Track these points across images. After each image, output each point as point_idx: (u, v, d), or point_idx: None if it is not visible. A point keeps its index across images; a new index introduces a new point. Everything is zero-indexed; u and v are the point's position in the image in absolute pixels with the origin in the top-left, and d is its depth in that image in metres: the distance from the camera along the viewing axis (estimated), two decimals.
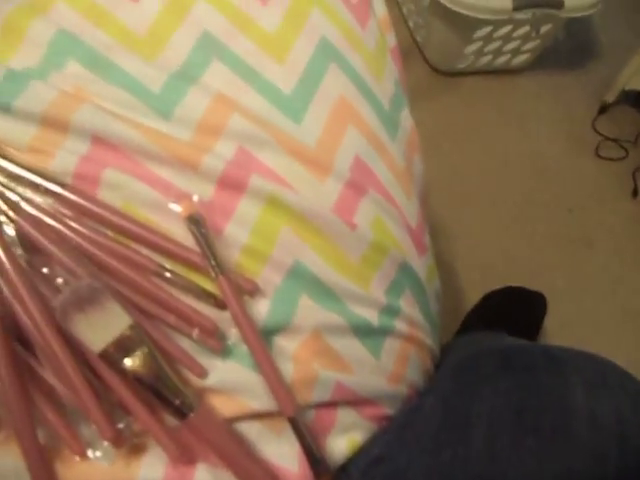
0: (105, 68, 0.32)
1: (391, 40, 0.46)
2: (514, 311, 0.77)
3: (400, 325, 0.36)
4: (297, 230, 0.33)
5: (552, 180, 1.11)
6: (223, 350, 0.31)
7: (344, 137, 0.36)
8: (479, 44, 1.08)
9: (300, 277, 0.33)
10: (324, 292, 0.33)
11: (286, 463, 0.31)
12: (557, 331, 0.98)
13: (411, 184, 0.40)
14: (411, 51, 1.18)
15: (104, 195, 0.31)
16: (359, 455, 0.34)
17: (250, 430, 0.31)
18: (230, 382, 0.30)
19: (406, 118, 0.42)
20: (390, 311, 0.36)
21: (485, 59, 1.14)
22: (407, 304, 0.37)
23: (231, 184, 0.32)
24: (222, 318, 0.31)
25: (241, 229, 0.32)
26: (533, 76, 1.20)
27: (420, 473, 0.30)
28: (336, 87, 0.37)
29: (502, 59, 1.15)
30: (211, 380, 0.30)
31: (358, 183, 0.36)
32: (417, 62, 1.17)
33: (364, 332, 0.34)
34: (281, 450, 0.31)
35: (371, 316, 0.35)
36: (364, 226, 0.35)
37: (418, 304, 0.39)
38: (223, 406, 0.30)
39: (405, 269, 0.37)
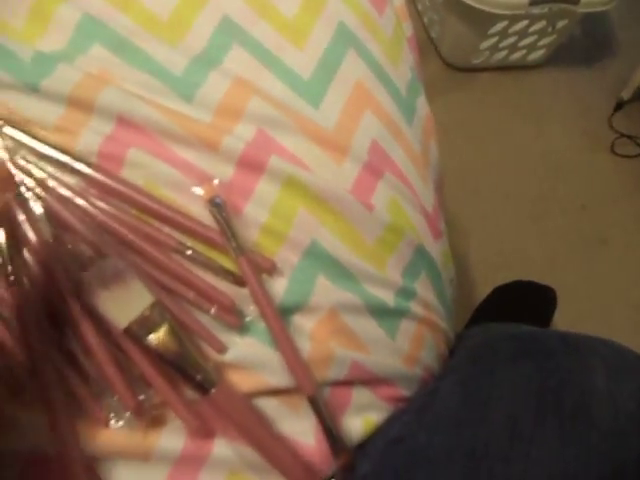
0: (129, 52, 0.33)
1: (407, 29, 0.46)
2: (523, 305, 0.77)
3: (416, 307, 0.37)
4: (314, 210, 0.34)
5: (566, 176, 1.11)
6: (241, 327, 0.31)
7: (361, 121, 0.37)
8: (494, 39, 1.08)
9: (317, 257, 0.33)
10: (340, 272, 0.34)
11: (303, 438, 0.32)
12: (570, 328, 0.98)
13: (427, 169, 0.40)
14: (426, 47, 1.18)
15: (127, 174, 0.32)
16: (377, 436, 0.34)
17: (267, 406, 0.32)
18: (248, 358, 0.31)
19: (422, 105, 0.42)
20: (406, 293, 0.36)
21: (500, 55, 1.13)
22: (423, 287, 0.38)
23: (250, 164, 0.33)
24: (241, 295, 0.31)
25: (260, 209, 0.32)
26: (548, 72, 1.20)
27: (441, 451, 0.30)
28: (354, 72, 0.37)
29: (517, 55, 1.14)
30: (229, 356, 0.31)
31: (375, 166, 0.36)
32: (432, 58, 1.17)
33: (380, 312, 0.35)
34: (298, 426, 0.32)
35: (387, 297, 0.35)
36: (381, 208, 0.36)
37: (433, 288, 0.39)
38: (241, 381, 0.31)
39: (421, 252, 0.38)
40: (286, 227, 0.33)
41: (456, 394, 0.34)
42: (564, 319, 0.98)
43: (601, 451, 0.27)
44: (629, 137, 1.13)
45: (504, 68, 1.18)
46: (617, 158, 1.12)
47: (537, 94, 1.18)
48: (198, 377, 0.29)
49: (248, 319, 0.32)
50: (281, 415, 0.32)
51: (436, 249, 0.39)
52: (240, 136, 0.33)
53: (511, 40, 1.09)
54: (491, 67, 1.17)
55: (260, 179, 0.33)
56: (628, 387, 0.30)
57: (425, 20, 1.19)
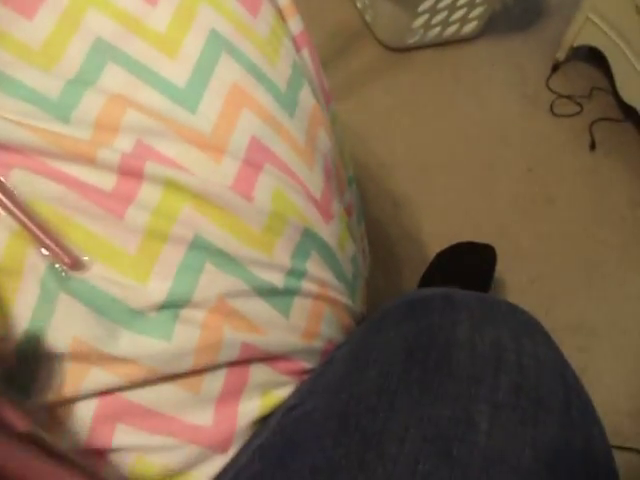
0: (4, 82, 0.35)
1: (295, 26, 0.48)
2: (465, 265, 0.80)
3: (308, 285, 0.39)
4: (197, 208, 0.36)
5: (511, 142, 1.14)
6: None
7: (239, 120, 0.39)
8: (425, 17, 1.11)
9: (201, 249, 0.36)
10: (226, 260, 0.36)
11: (202, 421, 0.35)
12: (527, 287, 1.01)
13: (313, 157, 0.43)
14: (362, 32, 1.21)
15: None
16: (279, 407, 0.37)
17: (167, 395, 0.34)
18: (138, 351, 0.33)
19: (305, 97, 0.44)
20: (296, 273, 0.39)
21: (434, 32, 1.16)
22: (315, 266, 0.40)
23: (129, 173, 0.35)
24: None
25: (141, 211, 0.35)
26: (484, 43, 1.23)
27: (322, 414, 0.33)
28: (229, 75, 0.40)
29: (451, 29, 1.17)
30: (120, 352, 0.33)
31: (255, 160, 0.39)
32: (368, 42, 1.20)
33: (270, 294, 0.38)
34: (197, 409, 0.35)
35: (276, 279, 0.38)
36: (263, 198, 0.38)
37: (328, 266, 0.42)
38: (133, 372, 0.33)
39: (309, 235, 0.40)
40: (169, 225, 0.35)
41: (344, 360, 0.36)
42: (521, 279, 1.02)
43: (455, 396, 0.30)
44: (567, 97, 1.16)
45: (440, 45, 1.20)
46: (557, 118, 1.15)
47: (475, 66, 1.21)
48: None
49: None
50: (180, 399, 0.34)
51: (328, 231, 0.42)
52: (117, 148, 0.36)
53: (442, 16, 1.12)
54: (427, 45, 1.19)
55: (141, 185, 0.36)
56: (489, 335, 0.33)
57: (359, 5, 1.22)
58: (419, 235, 1.03)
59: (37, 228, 0.33)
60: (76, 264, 0.33)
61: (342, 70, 1.15)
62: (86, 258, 0.34)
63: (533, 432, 0.29)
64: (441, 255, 0.87)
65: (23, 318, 0.32)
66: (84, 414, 0.32)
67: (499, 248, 0.91)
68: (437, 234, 1.01)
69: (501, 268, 0.92)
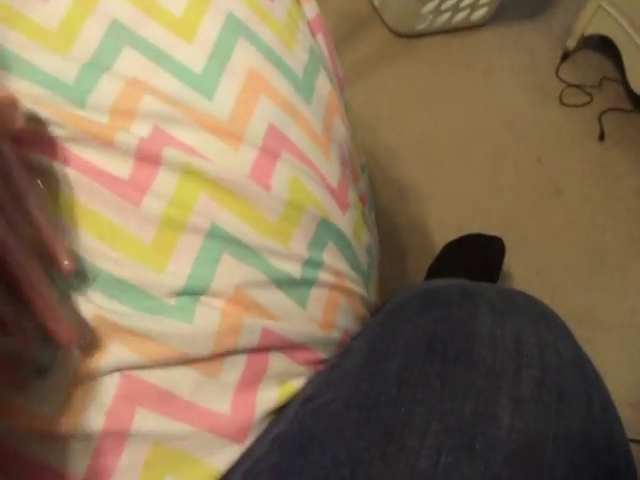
0: (19, 66, 0.35)
1: (310, 11, 0.48)
2: (473, 257, 0.79)
3: (325, 276, 0.39)
4: (214, 196, 0.36)
5: (520, 132, 1.13)
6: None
7: (256, 107, 0.39)
8: (435, 3, 1.09)
9: (219, 238, 0.35)
10: (244, 250, 0.36)
11: (220, 408, 0.34)
12: (533, 278, 1.01)
13: (330, 145, 0.42)
14: (370, 17, 1.19)
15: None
16: (295, 398, 0.37)
17: (186, 379, 0.34)
18: (159, 330, 0.33)
19: (322, 83, 0.44)
20: (313, 264, 0.39)
21: (443, 17, 1.15)
22: (331, 257, 0.40)
23: (147, 158, 0.35)
24: None
25: (159, 200, 0.35)
26: (493, 30, 1.21)
27: (341, 405, 0.33)
28: (246, 60, 0.39)
29: (460, 15, 1.16)
30: (144, 327, 0.33)
31: (272, 148, 0.38)
32: (377, 28, 1.18)
33: (287, 284, 0.37)
34: (216, 395, 0.35)
35: (293, 269, 0.38)
36: (280, 187, 0.38)
37: (344, 256, 0.41)
38: (152, 351, 0.33)
39: (326, 225, 0.40)
40: (186, 214, 0.35)
41: (362, 351, 0.36)
42: (527, 270, 1.01)
43: (477, 389, 0.30)
44: (577, 86, 1.15)
45: (449, 31, 1.19)
46: (566, 108, 1.14)
47: (484, 53, 1.19)
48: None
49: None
50: (199, 385, 0.34)
51: (344, 220, 0.42)
52: (135, 133, 0.35)
53: (452, 1, 1.11)
54: (436, 31, 1.18)
55: (158, 172, 0.35)
56: (509, 328, 0.33)
57: None
58: (426, 224, 1.02)
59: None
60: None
61: (350, 56, 1.13)
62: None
63: (555, 427, 0.29)
64: (449, 246, 0.86)
65: None
66: (104, 395, 0.32)
67: (506, 238, 0.91)
68: (444, 224, 1.00)
69: (507, 259, 0.92)
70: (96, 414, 0.32)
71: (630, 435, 0.86)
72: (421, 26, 1.15)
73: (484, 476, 0.27)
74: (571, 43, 1.16)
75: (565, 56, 1.17)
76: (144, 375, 0.33)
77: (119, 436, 0.32)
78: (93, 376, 0.32)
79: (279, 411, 0.37)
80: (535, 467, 0.28)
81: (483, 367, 0.31)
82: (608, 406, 0.32)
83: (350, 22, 1.18)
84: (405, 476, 0.27)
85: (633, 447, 0.89)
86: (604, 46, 1.18)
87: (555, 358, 0.32)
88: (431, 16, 1.13)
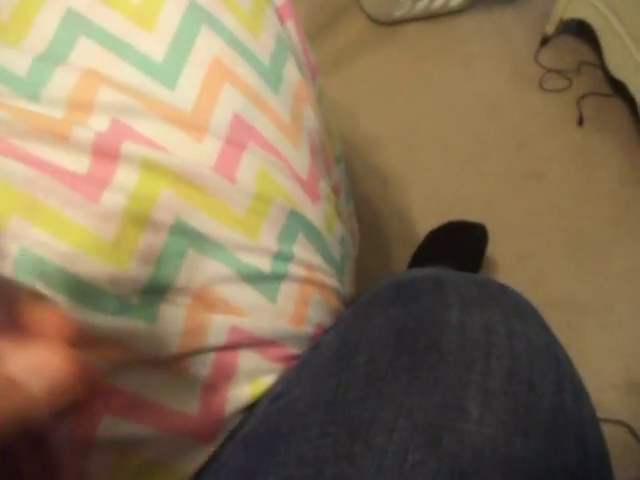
0: None
1: None
2: (456, 244, 0.79)
3: (295, 269, 0.38)
4: (177, 190, 0.35)
5: (501, 117, 1.12)
6: None
7: (220, 97, 0.37)
8: None
9: (183, 233, 0.34)
10: (210, 245, 0.35)
11: (188, 409, 0.34)
12: (516, 264, 1.01)
13: (299, 135, 0.41)
14: (349, 5, 1.18)
15: None
16: (265, 395, 0.36)
17: (152, 381, 0.33)
18: (125, 333, 0.32)
19: (290, 72, 0.43)
20: (282, 257, 0.38)
21: (422, 4, 1.13)
22: (302, 249, 0.39)
23: (104, 153, 0.33)
24: None
25: (119, 196, 0.33)
26: (473, 16, 1.20)
27: (308, 402, 0.32)
28: (209, 49, 0.38)
29: (438, 2, 1.15)
30: (102, 330, 0.32)
31: (238, 139, 0.37)
32: (356, 16, 1.17)
33: (256, 279, 0.36)
34: (184, 396, 0.34)
35: (262, 263, 0.37)
36: (246, 179, 0.37)
37: (316, 249, 0.40)
38: (115, 353, 0.32)
39: (296, 216, 0.39)
40: (148, 209, 0.34)
41: (332, 346, 0.35)
42: (509, 255, 1.01)
43: (445, 382, 0.29)
44: (556, 71, 1.14)
45: (428, 17, 1.18)
46: (546, 93, 1.14)
47: (463, 39, 1.18)
48: None
49: None
50: (165, 386, 0.33)
51: (315, 212, 0.41)
52: (91, 127, 0.34)
53: None
54: (415, 18, 1.17)
55: (117, 167, 0.34)
56: (479, 318, 0.32)
57: None
58: (408, 213, 1.02)
59: None
60: None
61: (328, 44, 1.12)
62: None
63: (526, 419, 0.29)
64: (432, 234, 0.86)
65: None
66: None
67: (488, 224, 0.91)
68: (427, 211, 1.00)
69: (490, 245, 0.92)
70: (60, 424, 0.31)
71: (611, 416, 0.87)
72: (399, 13, 1.13)
73: (452, 472, 0.26)
74: (550, 28, 1.15)
75: (544, 41, 1.17)
76: (108, 379, 0.32)
77: (85, 442, 0.31)
78: None
79: (250, 408, 0.36)
80: (504, 461, 0.27)
81: (452, 359, 0.30)
82: (580, 393, 0.32)
83: (329, 10, 1.16)
84: (371, 475, 0.27)
85: (615, 428, 0.90)
86: (582, 31, 1.17)
87: (525, 348, 0.31)
88: (409, 3, 1.11)
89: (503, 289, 0.36)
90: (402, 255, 0.94)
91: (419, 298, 0.35)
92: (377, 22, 1.16)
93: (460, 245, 0.83)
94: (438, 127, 1.10)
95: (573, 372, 0.33)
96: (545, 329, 0.34)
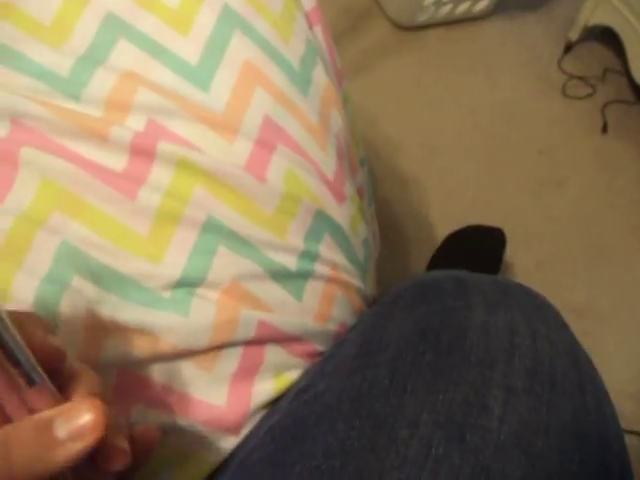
0: (12, 58, 0.35)
1: (308, 2, 0.47)
2: (474, 248, 0.79)
3: (321, 268, 0.39)
4: (210, 189, 0.36)
5: (522, 124, 1.12)
6: None
7: (252, 99, 0.39)
8: None
9: (214, 231, 0.36)
10: (240, 243, 0.36)
11: (215, 400, 0.35)
12: (534, 271, 1.01)
13: (326, 138, 0.42)
14: (371, 9, 1.19)
15: (23, 174, 0.34)
16: (290, 389, 0.37)
17: (182, 373, 0.34)
18: (158, 324, 0.33)
19: (319, 75, 0.44)
20: (309, 256, 0.39)
21: (445, 9, 1.14)
22: (327, 249, 0.40)
23: (141, 152, 0.35)
24: None
25: (155, 193, 0.35)
26: (496, 22, 1.21)
27: (333, 397, 0.33)
28: (242, 52, 0.39)
29: (462, 7, 1.15)
30: (136, 320, 0.33)
31: (268, 140, 0.38)
32: (379, 21, 1.18)
33: (283, 276, 0.37)
34: (211, 388, 0.35)
35: (289, 262, 0.38)
36: (276, 179, 0.38)
37: (341, 249, 0.41)
38: (148, 345, 0.33)
39: (322, 217, 0.40)
40: (181, 206, 0.35)
41: (356, 343, 0.36)
42: (528, 262, 1.01)
43: (469, 380, 0.30)
44: (580, 78, 1.14)
45: (451, 23, 1.18)
46: (569, 100, 1.13)
47: (486, 45, 1.19)
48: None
49: None
50: (195, 378, 0.34)
51: (341, 213, 0.42)
52: (129, 126, 0.35)
53: None
54: (438, 23, 1.17)
55: (153, 165, 0.35)
56: (503, 318, 0.33)
57: None
58: (427, 216, 1.02)
59: None
60: None
61: (351, 49, 1.13)
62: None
63: (547, 418, 0.29)
64: (450, 237, 0.86)
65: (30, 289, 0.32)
66: None
67: (507, 230, 0.91)
68: (445, 215, 1.00)
69: (508, 250, 0.92)
70: None
71: (629, 426, 0.86)
72: (423, 18, 1.14)
73: (474, 467, 0.27)
74: (574, 34, 1.15)
75: (568, 48, 1.16)
76: (140, 369, 0.34)
77: None
78: None
79: (274, 403, 0.37)
80: (526, 458, 0.28)
81: (475, 358, 0.31)
82: (601, 396, 0.32)
83: (352, 14, 1.17)
84: (395, 467, 0.28)
85: (632, 438, 0.89)
86: (607, 37, 1.17)
87: (548, 349, 0.32)
88: (433, 8, 1.12)
89: (526, 291, 0.37)
90: (420, 258, 0.94)
91: (443, 298, 0.36)
92: (400, 27, 1.16)
93: (478, 249, 0.83)
94: (459, 132, 1.10)
95: (595, 374, 0.34)
96: (568, 332, 0.35)
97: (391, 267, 0.93)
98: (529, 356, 0.31)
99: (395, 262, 0.94)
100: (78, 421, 0.21)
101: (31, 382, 0.22)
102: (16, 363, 0.22)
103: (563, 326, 0.35)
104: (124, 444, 0.24)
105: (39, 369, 0.22)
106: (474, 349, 0.31)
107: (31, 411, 0.22)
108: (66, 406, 0.21)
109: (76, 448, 0.20)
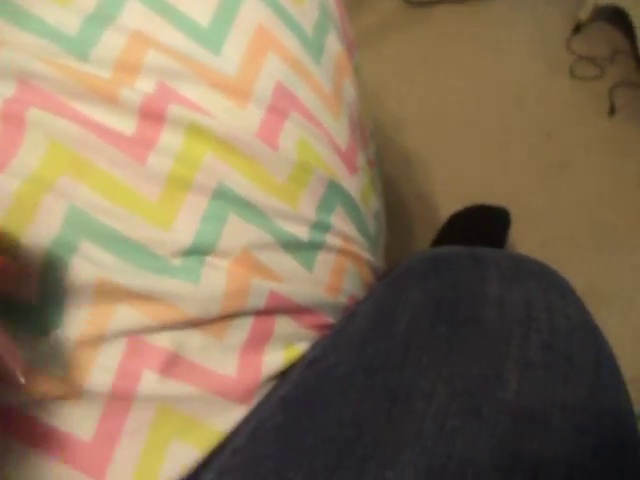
0: (21, 17, 0.34)
1: None
2: (479, 227, 0.79)
3: (332, 239, 0.38)
4: (221, 155, 0.35)
5: (529, 105, 1.11)
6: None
7: (264, 64, 0.38)
8: None
9: (226, 198, 0.35)
10: (251, 211, 0.35)
11: (225, 370, 0.34)
12: (538, 251, 1.01)
13: (339, 107, 0.41)
14: None
15: (31, 136, 0.33)
16: (300, 360, 0.37)
17: (192, 341, 0.34)
18: (166, 291, 0.33)
19: (332, 42, 0.43)
20: (320, 227, 0.38)
21: None
22: (339, 220, 0.39)
23: (151, 115, 0.34)
24: None
25: (164, 157, 0.34)
26: (505, 0, 1.18)
27: (346, 368, 0.33)
28: (254, 16, 0.38)
29: None
30: (146, 287, 0.32)
31: (280, 107, 0.37)
32: None
33: (294, 247, 0.37)
34: (221, 357, 0.34)
35: (300, 232, 0.37)
36: (288, 147, 0.37)
37: (352, 220, 0.41)
38: (158, 312, 0.32)
39: (334, 187, 0.39)
40: (192, 172, 0.34)
41: (369, 315, 0.36)
42: (532, 243, 1.01)
43: (484, 353, 0.30)
44: (589, 59, 1.12)
45: (461, 0, 1.16)
46: (577, 81, 1.12)
47: (495, 23, 1.17)
48: None
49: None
50: (205, 347, 0.34)
51: (353, 184, 0.41)
52: (139, 89, 0.34)
53: None
54: (448, 0, 1.15)
55: (163, 129, 0.34)
56: (518, 292, 0.33)
57: None
58: (431, 195, 1.01)
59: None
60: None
61: (358, 24, 1.11)
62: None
63: (563, 392, 0.29)
64: (455, 217, 0.86)
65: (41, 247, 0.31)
66: (111, 357, 0.32)
67: (511, 210, 0.90)
68: (449, 195, 1.00)
69: (512, 231, 0.91)
70: (103, 377, 0.31)
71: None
72: None
73: (490, 439, 0.27)
74: (584, 14, 1.13)
75: (577, 28, 1.15)
76: (150, 337, 0.33)
77: (125, 399, 0.32)
78: (99, 339, 0.32)
79: (284, 374, 0.37)
80: (542, 432, 0.28)
81: (491, 331, 0.31)
82: (616, 372, 0.32)
83: None
84: (411, 439, 0.27)
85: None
86: (617, 18, 1.15)
87: (564, 323, 0.32)
88: None
89: (541, 266, 0.36)
90: (424, 236, 0.94)
91: (457, 271, 0.35)
92: (408, 2, 1.14)
93: (482, 229, 0.83)
94: (465, 111, 1.09)
95: (610, 351, 0.33)
96: (583, 307, 0.34)
97: (395, 245, 0.92)
98: (545, 330, 0.31)
99: (399, 240, 0.94)
100: None
101: None
102: None
103: (579, 302, 0.35)
104: None
105: None
106: (490, 322, 0.31)
107: None
108: None
109: None
